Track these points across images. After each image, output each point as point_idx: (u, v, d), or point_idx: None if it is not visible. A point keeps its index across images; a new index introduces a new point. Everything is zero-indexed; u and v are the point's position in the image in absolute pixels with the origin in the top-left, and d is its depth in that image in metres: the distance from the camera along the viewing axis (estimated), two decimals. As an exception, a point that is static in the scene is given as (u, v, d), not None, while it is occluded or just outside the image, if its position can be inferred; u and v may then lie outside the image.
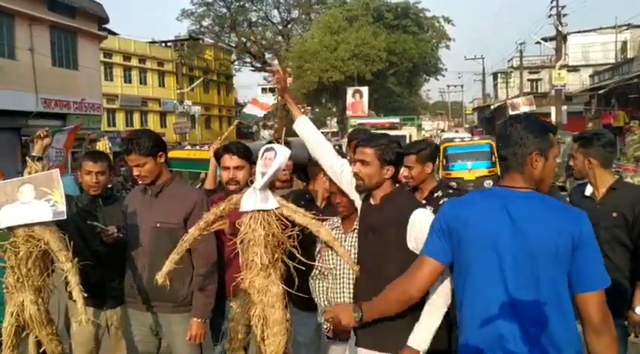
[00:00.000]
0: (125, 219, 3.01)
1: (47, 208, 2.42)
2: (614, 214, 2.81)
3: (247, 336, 2.50)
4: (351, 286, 2.65)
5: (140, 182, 2.98)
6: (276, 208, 2.30)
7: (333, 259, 2.71)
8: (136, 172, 2.91)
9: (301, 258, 2.28)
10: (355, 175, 2.43)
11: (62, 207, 2.42)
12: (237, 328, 2.46)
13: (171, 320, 2.94)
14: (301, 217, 2.31)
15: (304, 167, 4.16)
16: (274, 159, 2.31)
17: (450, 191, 3.38)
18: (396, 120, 15.21)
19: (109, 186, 3.62)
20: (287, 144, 2.87)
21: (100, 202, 3.24)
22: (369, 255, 2.42)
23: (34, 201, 2.44)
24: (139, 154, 2.88)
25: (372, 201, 2.47)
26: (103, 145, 20.07)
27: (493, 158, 11.49)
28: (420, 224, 2.27)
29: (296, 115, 2.85)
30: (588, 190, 2.99)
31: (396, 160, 2.42)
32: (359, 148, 2.45)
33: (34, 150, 3.18)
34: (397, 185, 2.47)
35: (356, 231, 2.66)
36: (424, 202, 3.21)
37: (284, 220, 2.30)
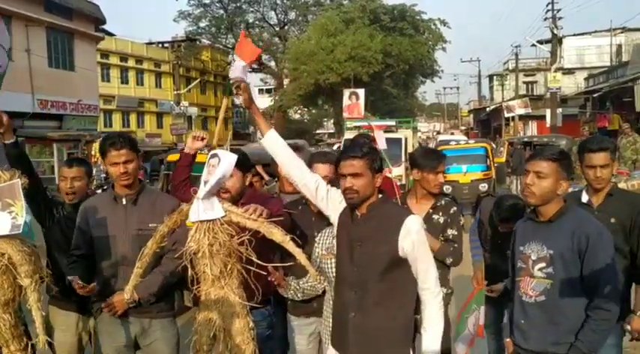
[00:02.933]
0: (89, 230, 2.83)
1: (7, 221, 2.26)
2: (613, 221, 2.81)
3: (213, 347, 2.42)
4: None
5: (122, 182, 2.81)
6: (222, 217, 2.20)
7: (334, 267, 2.60)
8: (122, 169, 2.76)
9: (258, 262, 2.20)
10: (348, 189, 2.31)
11: (21, 220, 2.25)
12: (202, 340, 2.37)
13: (156, 327, 2.86)
14: (250, 221, 2.21)
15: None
16: (217, 166, 2.19)
17: (449, 199, 3.39)
18: (391, 122, 15.14)
19: (100, 189, 3.51)
20: (296, 149, 2.83)
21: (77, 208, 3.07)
22: (354, 268, 2.33)
23: None
24: (130, 149, 2.80)
25: (357, 212, 2.37)
26: (99, 146, 20.07)
27: (488, 162, 11.48)
28: (416, 231, 2.27)
29: (264, 129, 2.63)
30: (584, 197, 2.97)
31: (381, 166, 2.38)
32: (346, 160, 2.33)
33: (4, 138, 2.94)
34: (381, 194, 2.40)
35: None
36: (430, 210, 3.26)
37: (234, 227, 2.20)
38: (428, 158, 3.30)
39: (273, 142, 2.59)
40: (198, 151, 3.28)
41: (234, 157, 2.22)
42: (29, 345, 2.35)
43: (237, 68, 2.75)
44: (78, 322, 3.15)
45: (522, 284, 2.49)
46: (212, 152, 2.28)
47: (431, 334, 2.29)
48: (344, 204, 2.42)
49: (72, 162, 3.29)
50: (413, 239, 2.25)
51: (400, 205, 3.16)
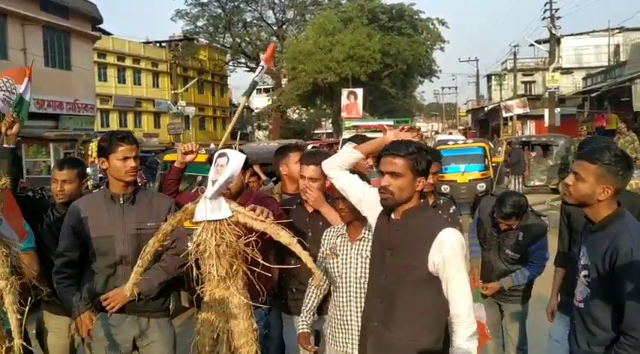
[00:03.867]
0: (84, 230, 2.79)
1: None
2: None
3: (215, 349, 2.42)
4: (359, 297, 2.51)
5: (130, 178, 2.81)
6: (229, 217, 2.18)
7: (338, 267, 2.59)
8: (133, 163, 2.77)
9: (264, 263, 2.18)
10: (383, 188, 2.15)
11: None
12: (204, 341, 2.38)
13: (154, 328, 2.86)
14: (258, 222, 2.19)
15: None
16: (226, 166, 2.17)
17: (442, 201, 3.40)
18: (390, 122, 15.21)
19: (97, 189, 3.50)
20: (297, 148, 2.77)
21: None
22: (383, 276, 2.21)
23: None
24: (137, 146, 2.83)
25: (393, 216, 2.22)
26: (96, 146, 19.97)
27: (486, 161, 11.53)
28: (450, 246, 2.08)
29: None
30: None
31: (427, 169, 2.18)
32: (387, 157, 2.17)
33: (7, 141, 3.20)
34: (422, 200, 2.24)
35: (363, 240, 2.56)
36: None
37: (240, 228, 2.19)
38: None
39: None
40: (198, 151, 3.26)
41: (242, 157, 2.22)
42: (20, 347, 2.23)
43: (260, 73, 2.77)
44: (70, 325, 3.11)
45: (577, 285, 2.41)
46: (220, 151, 2.26)
47: None
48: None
49: (64, 164, 3.25)
50: (444, 255, 2.06)
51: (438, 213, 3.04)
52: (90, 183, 12.07)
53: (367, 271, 2.46)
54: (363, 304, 2.46)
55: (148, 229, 2.68)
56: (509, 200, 3.44)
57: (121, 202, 2.81)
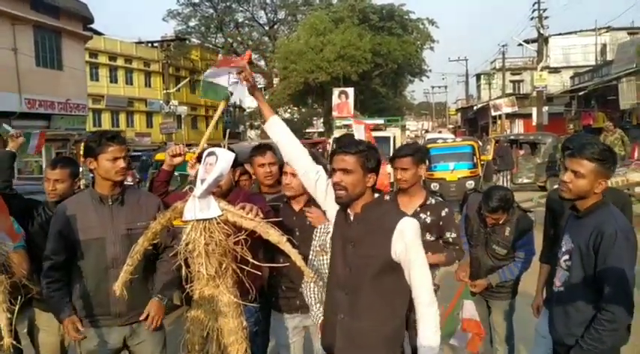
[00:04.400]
0: (72, 233, 2.72)
1: None
2: None
3: (205, 347, 2.39)
4: None
5: (120, 178, 2.77)
6: (218, 216, 2.16)
7: (328, 264, 2.54)
8: (123, 163, 2.73)
9: (254, 262, 2.16)
10: (337, 185, 2.23)
11: None
12: (194, 340, 2.35)
13: (144, 327, 2.79)
14: (247, 221, 2.16)
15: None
16: (215, 164, 2.15)
17: (440, 199, 3.34)
18: (380, 121, 15.33)
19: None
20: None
21: None
22: (347, 269, 2.26)
23: None
24: (126, 146, 2.80)
25: (349, 211, 2.29)
26: (84, 145, 19.89)
27: (475, 159, 11.63)
28: (410, 234, 2.18)
29: (267, 115, 2.57)
30: None
31: (377, 166, 2.28)
32: (338, 155, 2.26)
33: (10, 147, 3.35)
34: (378, 195, 2.34)
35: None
36: (418, 208, 3.23)
37: (230, 226, 2.17)
38: (394, 154, 3.36)
39: (277, 127, 2.53)
40: (189, 150, 3.29)
41: (232, 156, 2.20)
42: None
43: (213, 72, 2.72)
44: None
45: (556, 273, 2.55)
46: (209, 150, 2.24)
47: (427, 346, 2.17)
48: None
49: (56, 163, 3.24)
50: (406, 243, 2.16)
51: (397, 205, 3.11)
52: (82, 182, 12.13)
53: None
54: None
55: (139, 229, 2.62)
56: (495, 194, 3.47)
57: (110, 203, 2.76)
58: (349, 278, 2.24)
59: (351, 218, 2.28)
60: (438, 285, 3.35)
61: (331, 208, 2.41)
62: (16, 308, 2.18)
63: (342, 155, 2.24)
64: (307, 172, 2.49)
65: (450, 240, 3.22)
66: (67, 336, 2.80)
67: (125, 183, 2.91)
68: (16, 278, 2.32)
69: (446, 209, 3.23)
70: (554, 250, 3.08)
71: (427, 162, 3.23)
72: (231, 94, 2.62)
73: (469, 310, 3.60)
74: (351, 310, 2.23)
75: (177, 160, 3.10)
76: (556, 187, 3.32)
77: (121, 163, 2.74)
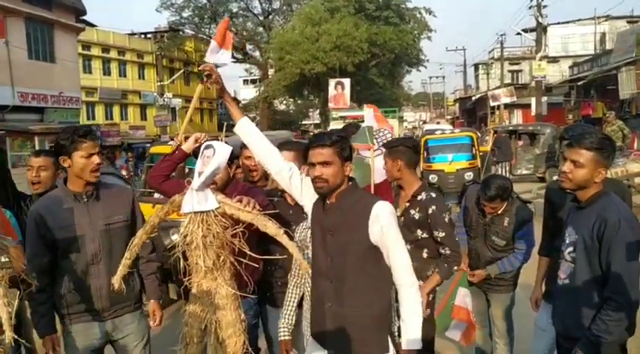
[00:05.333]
0: (48, 233, 2.67)
1: None
2: None
3: (204, 339, 2.44)
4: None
5: (94, 175, 2.71)
6: (216, 208, 2.20)
7: (310, 258, 2.58)
8: (97, 159, 2.69)
9: (252, 254, 2.21)
10: (317, 178, 2.29)
11: None
12: (192, 332, 2.40)
13: (128, 320, 2.83)
14: (245, 214, 2.21)
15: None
16: (213, 157, 2.20)
17: (432, 194, 3.26)
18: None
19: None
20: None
21: None
22: (328, 257, 2.33)
23: None
24: (98, 142, 2.77)
25: (327, 201, 2.35)
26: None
27: (474, 150, 11.51)
28: (385, 216, 2.24)
29: (236, 117, 2.61)
30: None
31: (351, 155, 2.37)
32: (315, 149, 2.31)
33: None
34: (351, 182, 2.38)
35: None
36: (407, 204, 3.21)
37: (227, 219, 2.20)
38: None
39: (246, 129, 2.57)
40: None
41: (229, 149, 2.24)
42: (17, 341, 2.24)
43: (214, 54, 2.67)
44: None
45: (560, 266, 2.55)
46: (206, 143, 2.28)
47: (410, 325, 2.28)
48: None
49: (39, 152, 3.25)
50: (382, 225, 2.23)
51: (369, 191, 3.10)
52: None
53: None
54: None
55: (117, 223, 2.71)
56: (493, 183, 3.47)
57: (85, 199, 2.73)
58: (332, 267, 2.31)
59: (328, 208, 2.35)
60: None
61: (308, 202, 2.46)
62: (16, 302, 2.19)
63: (319, 149, 2.29)
64: (280, 171, 2.53)
65: (439, 239, 3.15)
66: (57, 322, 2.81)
67: (116, 176, 2.90)
68: (15, 272, 2.30)
69: (433, 207, 3.13)
70: (553, 243, 3.10)
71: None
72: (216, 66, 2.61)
73: (462, 297, 3.62)
74: (337, 297, 2.30)
75: (196, 146, 3.09)
76: (555, 178, 3.38)
77: (96, 159, 2.70)
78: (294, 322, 2.72)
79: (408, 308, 2.28)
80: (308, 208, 2.48)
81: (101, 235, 2.70)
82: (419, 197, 3.18)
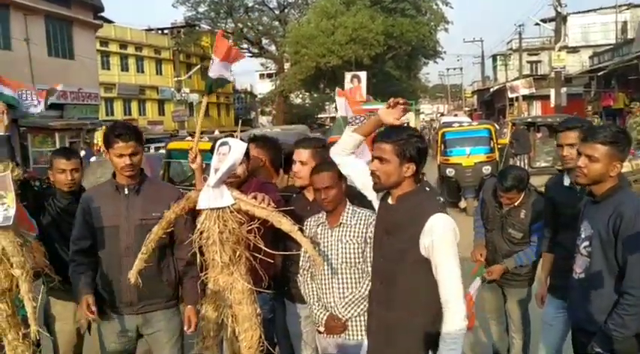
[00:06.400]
0: (90, 220, 2.81)
1: (0, 213, 2.27)
2: None
3: (220, 333, 2.46)
4: (341, 282, 2.64)
5: (125, 174, 2.79)
6: (232, 205, 2.21)
7: (320, 254, 2.59)
8: (128, 161, 2.73)
9: (266, 249, 2.22)
10: (372, 173, 2.23)
11: (12, 211, 2.27)
12: (209, 327, 2.42)
13: (159, 317, 2.86)
14: (260, 210, 2.22)
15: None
16: (228, 154, 2.21)
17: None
18: (393, 106, 14.95)
19: None
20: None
21: (74, 198, 3.14)
22: (381, 259, 2.28)
23: None
24: (137, 141, 2.77)
25: (389, 201, 2.28)
26: (101, 134, 20.06)
27: (492, 144, 11.25)
28: (439, 230, 2.11)
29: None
30: (566, 181, 3.00)
31: (417, 156, 2.21)
32: (378, 143, 2.24)
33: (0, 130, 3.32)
34: (418, 184, 2.27)
35: (342, 226, 2.65)
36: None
37: (242, 215, 2.22)
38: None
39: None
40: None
41: (244, 146, 2.26)
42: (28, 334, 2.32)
43: (217, 67, 2.74)
44: (76, 312, 3.15)
45: (575, 261, 2.54)
46: (222, 140, 2.28)
47: (445, 348, 2.11)
48: None
49: (68, 154, 3.28)
50: (433, 240, 2.10)
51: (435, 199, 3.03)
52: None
53: (347, 255, 2.62)
54: (344, 289, 2.64)
55: (153, 219, 2.67)
56: (510, 173, 3.48)
57: (126, 192, 2.81)
58: (383, 268, 2.27)
59: (388, 208, 2.28)
60: None
61: (374, 200, 2.42)
62: (40, 297, 2.27)
63: (380, 143, 2.22)
64: (356, 180, 2.54)
65: None
66: (80, 316, 2.90)
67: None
68: (39, 267, 2.39)
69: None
70: (556, 239, 3.13)
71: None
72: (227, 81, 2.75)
73: (474, 287, 3.63)
74: (383, 299, 2.26)
75: (198, 161, 3.50)
76: (551, 176, 3.41)
77: (126, 161, 2.74)
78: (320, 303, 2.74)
79: (446, 335, 2.13)
80: (376, 203, 2.43)
81: (135, 229, 2.73)
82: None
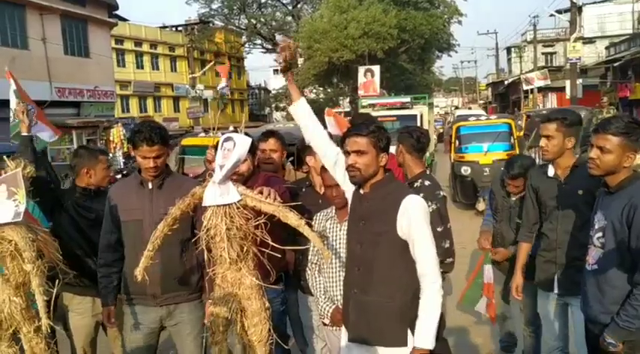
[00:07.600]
0: (116, 213, 2.90)
1: (11, 209, 2.28)
2: (580, 192, 2.81)
3: (229, 328, 2.45)
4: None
5: (149, 174, 2.85)
6: (238, 201, 2.20)
7: (329, 248, 2.65)
8: (152, 163, 2.80)
9: (274, 244, 2.21)
10: (351, 167, 2.32)
11: (22, 208, 2.27)
12: (218, 322, 2.41)
13: (183, 309, 2.92)
14: (267, 205, 2.21)
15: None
16: (233, 150, 2.20)
17: (426, 183, 3.19)
18: (406, 99, 14.71)
19: (119, 174, 3.61)
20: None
21: (92, 195, 3.26)
22: (358, 245, 2.37)
23: (5, 201, 2.29)
24: (162, 144, 2.82)
25: (361, 190, 2.40)
26: (117, 131, 20.30)
27: (512, 140, 10.53)
28: (414, 209, 2.25)
29: (295, 97, 2.70)
30: (551, 171, 2.96)
31: (387, 146, 2.36)
32: (351, 138, 2.33)
33: (23, 130, 3.36)
34: (387, 173, 2.40)
35: None
36: None
37: (249, 211, 2.21)
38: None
39: (302, 109, 2.65)
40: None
41: (248, 141, 2.24)
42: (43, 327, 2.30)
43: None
44: (93, 306, 3.23)
45: (588, 252, 2.54)
46: (226, 136, 2.26)
47: (424, 328, 2.22)
48: None
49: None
50: (410, 218, 2.24)
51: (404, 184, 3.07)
52: (111, 168, 12.32)
53: None
54: None
55: None
56: (517, 161, 3.56)
57: (150, 187, 2.88)
58: (360, 255, 2.35)
59: (362, 197, 2.39)
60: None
61: (349, 189, 2.50)
62: (55, 291, 2.27)
63: (355, 137, 2.32)
64: (327, 154, 2.59)
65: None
66: (99, 309, 3.08)
67: None
68: (50, 262, 2.39)
69: (421, 195, 3.03)
70: (535, 229, 3.10)
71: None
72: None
73: (488, 274, 3.70)
74: (362, 285, 2.33)
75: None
76: (537, 167, 3.35)
77: (150, 163, 2.81)
78: (327, 296, 2.79)
79: (426, 306, 2.24)
80: (349, 195, 2.52)
81: (158, 223, 2.74)
82: (415, 184, 3.15)
